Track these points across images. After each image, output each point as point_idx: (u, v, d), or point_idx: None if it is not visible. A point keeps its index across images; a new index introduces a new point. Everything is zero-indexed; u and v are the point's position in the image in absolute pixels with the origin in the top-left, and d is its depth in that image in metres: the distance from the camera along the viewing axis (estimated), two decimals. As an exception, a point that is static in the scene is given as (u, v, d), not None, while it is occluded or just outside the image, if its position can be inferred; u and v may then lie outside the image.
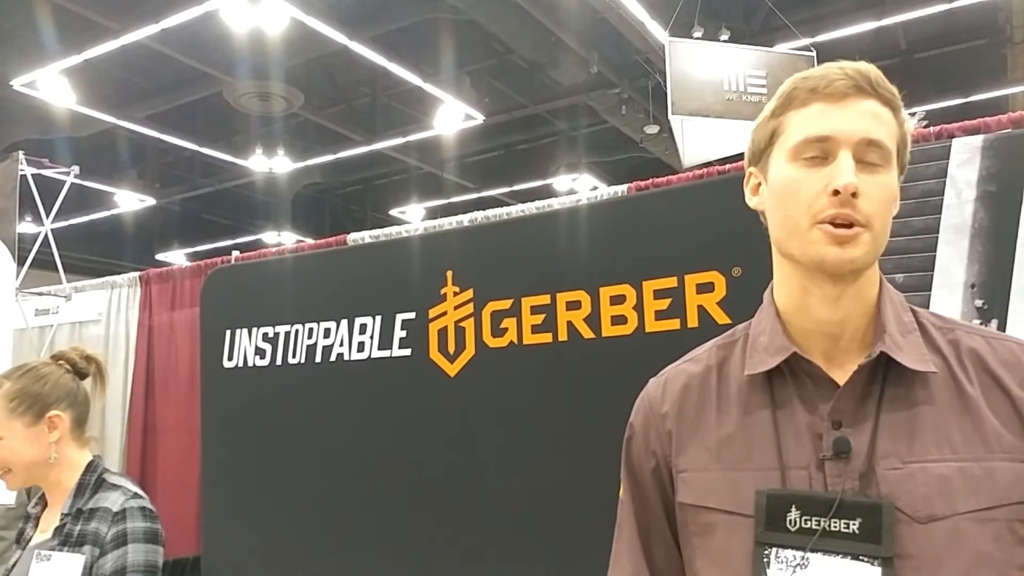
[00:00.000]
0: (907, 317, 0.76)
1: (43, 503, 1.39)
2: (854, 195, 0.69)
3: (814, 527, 0.69)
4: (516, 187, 9.74)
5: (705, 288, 1.59)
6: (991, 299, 1.39)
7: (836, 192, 0.69)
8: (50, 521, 1.33)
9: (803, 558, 0.68)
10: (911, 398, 0.71)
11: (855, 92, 0.72)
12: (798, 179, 0.72)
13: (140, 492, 1.34)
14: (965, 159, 1.41)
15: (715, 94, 4.60)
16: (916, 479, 0.67)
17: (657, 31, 5.52)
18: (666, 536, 0.82)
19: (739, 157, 3.31)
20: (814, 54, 4.75)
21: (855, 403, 0.72)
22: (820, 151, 0.72)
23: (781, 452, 0.73)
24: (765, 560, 0.70)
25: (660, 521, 0.83)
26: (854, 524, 0.67)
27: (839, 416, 0.71)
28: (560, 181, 9.10)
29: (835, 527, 0.68)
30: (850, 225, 0.69)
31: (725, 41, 5.51)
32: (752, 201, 0.81)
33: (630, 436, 0.86)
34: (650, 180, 2.18)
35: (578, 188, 8.75)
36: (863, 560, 0.66)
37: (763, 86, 4.66)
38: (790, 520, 0.69)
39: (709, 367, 0.82)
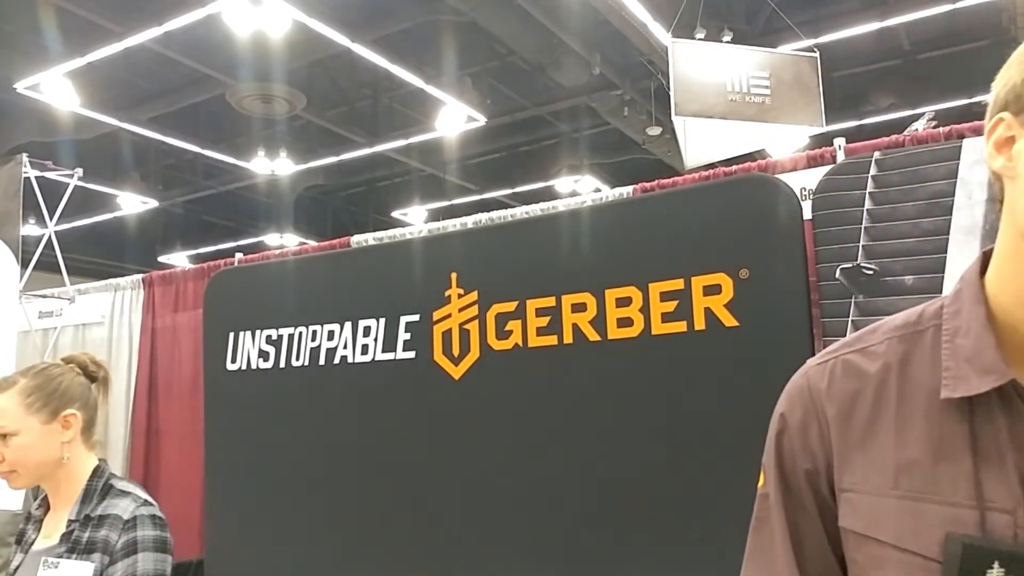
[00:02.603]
0: None
1: (45, 505, 1.37)
2: None
3: None
4: (518, 189, 9.74)
5: (712, 290, 1.58)
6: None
7: None
8: (54, 526, 1.31)
9: None
10: None
11: None
12: None
13: (150, 499, 1.33)
14: (976, 160, 1.39)
15: (718, 95, 4.59)
16: None
17: (659, 32, 5.51)
18: (824, 549, 0.67)
19: (742, 158, 3.31)
20: (817, 55, 4.74)
21: None
22: None
23: (981, 486, 0.57)
24: None
25: (817, 530, 0.68)
26: None
27: None
28: (562, 183, 9.09)
29: None
30: None
31: (728, 42, 5.51)
32: (995, 161, 0.60)
33: (781, 429, 0.70)
34: (656, 181, 2.18)
35: (580, 190, 8.74)
36: None
37: (766, 87, 4.65)
38: None
39: (887, 367, 0.66)
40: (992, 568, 0.55)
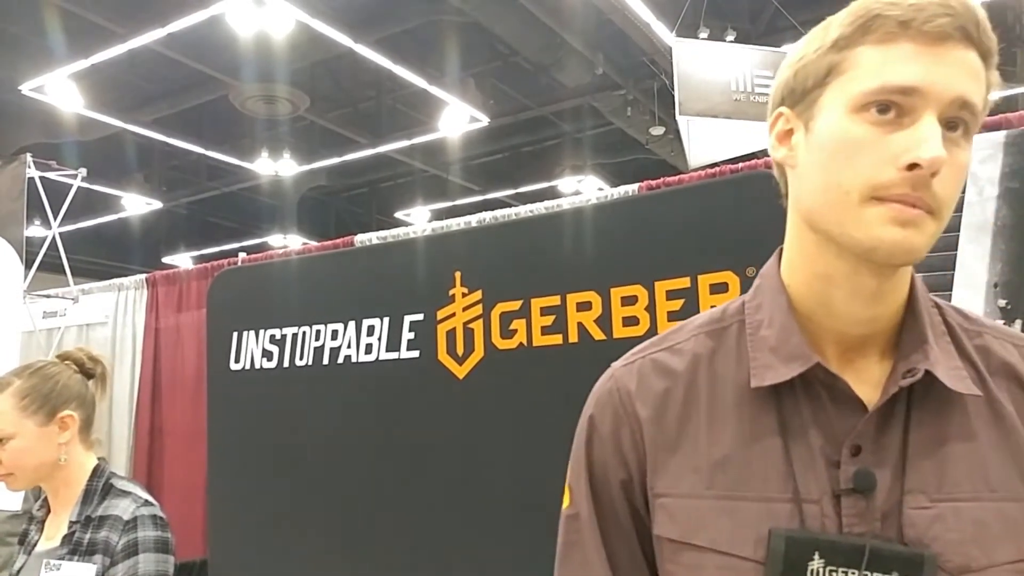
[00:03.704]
0: (936, 317, 0.62)
1: (47, 506, 1.36)
2: (933, 175, 0.53)
3: None
4: (521, 189, 9.73)
5: (719, 288, 1.57)
6: (1015, 298, 1.36)
7: (913, 166, 0.53)
8: (56, 527, 1.30)
9: None
10: (942, 421, 0.58)
11: (959, 36, 0.54)
12: (861, 139, 0.55)
13: (150, 499, 1.31)
14: (987, 155, 1.38)
15: (722, 95, 4.57)
16: (947, 522, 0.55)
17: (662, 32, 5.50)
18: (643, 571, 0.65)
19: (746, 158, 3.30)
20: (821, 54, 4.72)
21: (877, 426, 0.58)
22: (896, 106, 0.54)
23: (796, 480, 0.58)
24: None
25: (634, 551, 0.65)
26: None
27: (860, 441, 0.58)
28: (565, 183, 9.08)
29: None
30: (914, 207, 0.54)
31: (731, 42, 5.49)
32: (777, 152, 0.63)
33: (590, 436, 0.67)
34: (661, 179, 2.16)
35: (583, 190, 8.73)
36: None
37: (770, 87, 4.64)
38: (812, 571, 0.55)
39: (695, 362, 0.65)
40: (813, 559, 0.55)
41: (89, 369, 1.39)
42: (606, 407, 0.67)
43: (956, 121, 0.55)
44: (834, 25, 0.58)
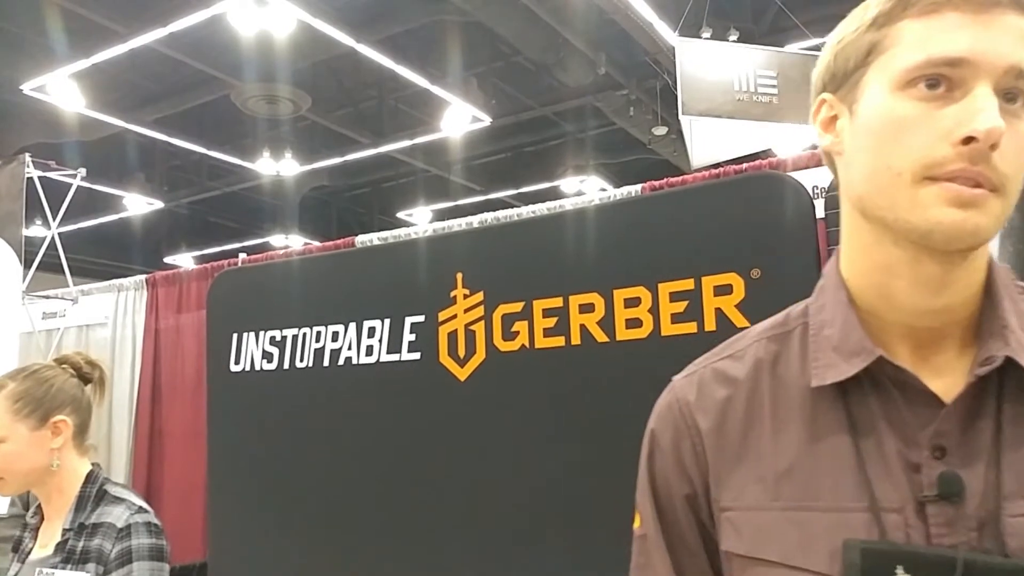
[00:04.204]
0: (1023, 305, 0.57)
1: (41, 513, 1.34)
2: (992, 147, 0.49)
3: None
4: (523, 189, 9.72)
5: (723, 290, 1.55)
6: None
7: (969, 140, 0.49)
8: (49, 535, 1.28)
9: None
10: None
11: (1008, 2, 0.51)
12: (909, 116, 0.52)
13: (144, 505, 1.29)
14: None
15: (725, 94, 4.56)
16: None
17: (665, 32, 5.49)
18: None
19: (750, 158, 3.28)
20: (825, 54, 4.71)
21: (963, 424, 0.53)
22: (946, 80, 0.51)
23: (872, 487, 0.53)
24: None
25: (702, 566, 0.62)
26: None
27: (942, 441, 0.52)
28: (567, 183, 9.07)
29: None
30: (976, 186, 0.50)
31: (734, 41, 5.47)
32: (823, 140, 0.60)
33: (652, 451, 0.65)
34: (665, 180, 2.15)
35: (586, 190, 8.71)
36: None
37: (773, 86, 4.62)
38: None
39: (758, 368, 0.62)
40: (895, 573, 0.50)
41: (86, 373, 1.36)
42: (666, 420, 0.65)
43: (1013, 92, 0.51)
44: (873, 3, 0.55)
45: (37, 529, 1.33)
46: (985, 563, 0.49)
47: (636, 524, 0.66)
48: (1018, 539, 0.50)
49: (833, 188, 1.81)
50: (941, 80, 0.51)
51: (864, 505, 0.53)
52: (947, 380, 0.54)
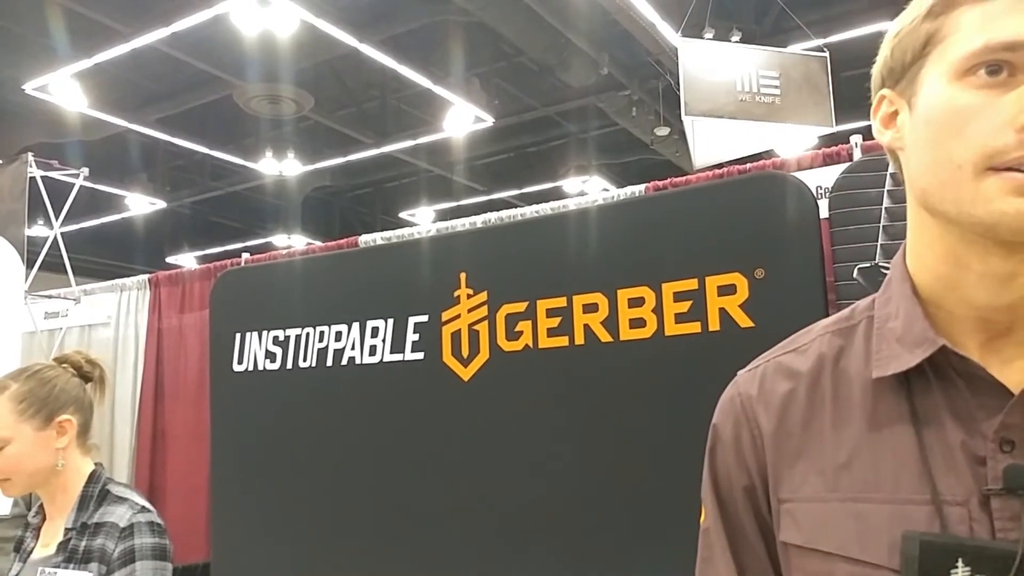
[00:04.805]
0: None
1: (43, 513, 1.33)
2: None
3: None
4: (526, 189, 9.72)
5: (727, 290, 1.55)
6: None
7: None
8: (52, 534, 1.28)
9: None
10: None
11: None
12: (969, 105, 0.50)
13: (147, 505, 1.29)
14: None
15: (727, 95, 4.55)
16: None
17: (668, 32, 5.48)
18: None
19: (752, 158, 3.28)
20: (827, 55, 4.70)
21: None
22: (1007, 65, 0.50)
23: (934, 479, 0.52)
24: None
25: (761, 560, 0.62)
26: None
27: (1010, 434, 0.51)
28: (570, 183, 9.07)
29: None
30: None
31: (736, 42, 5.47)
32: (884, 136, 0.59)
33: (714, 444, 0.66)
34: (669, 180, 2.14)
35: (588, 190, 8.71)
36: None
37: (776, 87, 4.61)
38: None
39: (821, 361, 0.61)
40: (956, 567, 0.49)
41: (87, 372, 1.36)
42: (728, 414, 0.65)
43: None
44: None
45: (39, 528, 1.33)
46: None
47: (702, 518, 0.67)
48: None
49: (837, 189, 1.80)
50: (1002, 66, 0.50)
51: (926, 497, 0.52)
52: (1017, 371, 0.53)
